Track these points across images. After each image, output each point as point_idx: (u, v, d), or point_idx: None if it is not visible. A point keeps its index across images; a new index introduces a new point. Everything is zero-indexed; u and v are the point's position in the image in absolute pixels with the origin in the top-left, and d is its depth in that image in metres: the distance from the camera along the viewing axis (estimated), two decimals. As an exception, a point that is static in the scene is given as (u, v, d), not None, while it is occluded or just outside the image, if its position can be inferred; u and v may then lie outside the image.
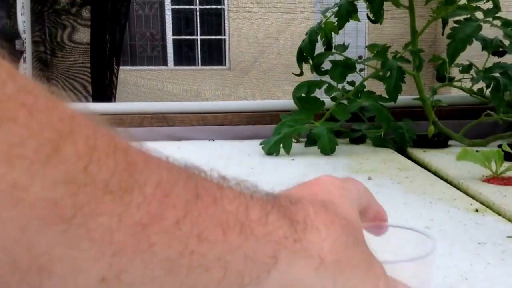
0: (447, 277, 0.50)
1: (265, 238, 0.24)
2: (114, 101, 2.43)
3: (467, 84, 1.46)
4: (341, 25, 1.43)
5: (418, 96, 1.41)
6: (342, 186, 0.32)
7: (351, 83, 1.48)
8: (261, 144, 1.34)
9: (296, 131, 1.31)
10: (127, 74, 4.90)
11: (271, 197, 0.26)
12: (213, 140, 1.61)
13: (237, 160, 1.26)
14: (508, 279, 0.51)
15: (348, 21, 1.43)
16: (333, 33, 1.50)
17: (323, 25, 1.48)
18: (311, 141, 1.37)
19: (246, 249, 0.23)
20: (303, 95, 1.37)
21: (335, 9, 1.45)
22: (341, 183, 0.32)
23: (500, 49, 1.40)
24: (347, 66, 1.40)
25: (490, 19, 1.29)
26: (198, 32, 6.87)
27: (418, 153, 1.31)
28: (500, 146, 0.99)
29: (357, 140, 1.48)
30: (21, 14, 1.74)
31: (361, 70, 1.51)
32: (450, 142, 1.41)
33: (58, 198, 0.17)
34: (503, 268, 0.53)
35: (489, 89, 1.37)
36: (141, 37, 6.86)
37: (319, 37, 1.48)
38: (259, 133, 1.62)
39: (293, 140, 1.36)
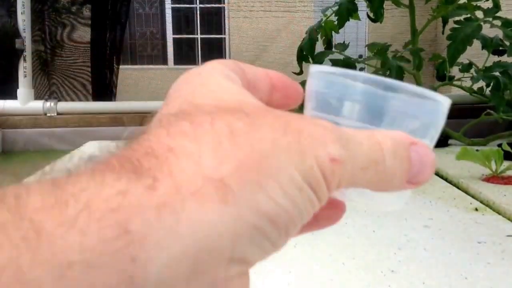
0: (446, 276, 0.50)
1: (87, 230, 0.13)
2: (114, 100, 2.43)
3: (467, 83, 1.46)
4: (341, 24, 1.43)
5: (418, 95, 1.41)
6: (198, 72, 0.20)
7: (351, 82, 1.48)
8: (261, 143, 1.34)
9: (296, 130, 1.31)
10: (127, 73, 4.90)
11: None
12: (213, 139, 1.61)
13: (237, 159, 1.26)
14: (508, 278, 0.51)
15: (348, 20, 1.43)
16: (333, 32, 1.50)
17: (323, 24, 1.48)
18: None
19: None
20: (303, 94, 1.37)
21: (335, 8, 1.45)
22: (194, 70, 0.20)
23: (500, 48, 1.40)
24: (347, 65, 1.40)
25: (490, 19, 1.29)
26: (198, 31, 6.87)
27: (418, 152, 1.31)
28: (500, 145, 0.99)
29: (357, 139, 1.49)
30: (21, 12, 1.74)
31: (361, 69, 1.51)
32: (450, 141, 1.41)
33: None
34: (503, 267, 0.53)
35: (489, 88, 1.37)
36: (141, 36, 6.86)
37: (319, 36, 1.48)
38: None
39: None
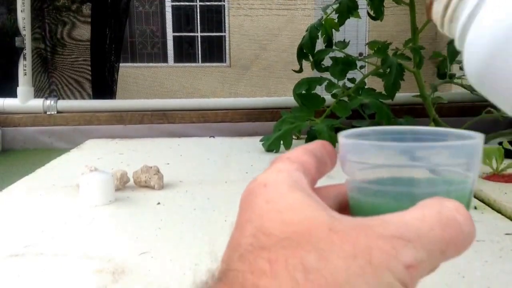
0: (444, 275, 0.50)
1: None
2: (114, 98, 2.43)
3: (468, 81, 1.46)
4: (341, 22, 1.43)
5: (418, 93, 1.41)
6: (263, 184, 0.21)
7: (352, 80, 1.48)
8: (261, 140, 1.34)
9: (296, 128, 1.31)
10: (127, 71, 4.89)
11: None
12: (213, 137, 1.61)
13: (237, 157, 1.26)
14: (505, 276, 0.51)
15: (349, 18, 1.42)
16: (333, 30, 1.50)
17: (323, 22, 1.48)
18: (311, 138, 1.37)
19: None
20: (303, 92, 1.37)
21: (335, 6, 1.44)
22: (260, 181, 0.21)
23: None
24: (348, 63, 1.39)
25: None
26: (199, 29, 6.87)
27: (418, 150, 1.30)
28: (500, 143, 0.99)
29: (357, 137, 1.48)
30: (21, 10, 1.74)
31: (361, 67, 1.50)
32: (450, 139, 1.41)
33: None
34: (500, 265, 0.53)
35: (490, 86, 1.37)
36: (141, 34, 6.85)
37: (319, 34, 1.47)
38: (259, 130, 1.62)
39: (293, 136, 1.36)
